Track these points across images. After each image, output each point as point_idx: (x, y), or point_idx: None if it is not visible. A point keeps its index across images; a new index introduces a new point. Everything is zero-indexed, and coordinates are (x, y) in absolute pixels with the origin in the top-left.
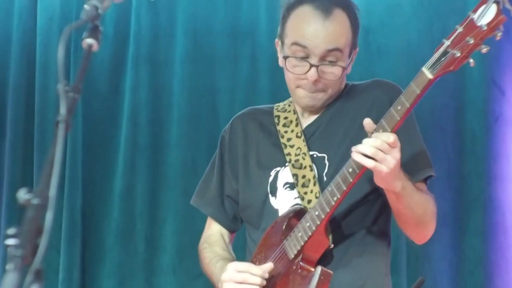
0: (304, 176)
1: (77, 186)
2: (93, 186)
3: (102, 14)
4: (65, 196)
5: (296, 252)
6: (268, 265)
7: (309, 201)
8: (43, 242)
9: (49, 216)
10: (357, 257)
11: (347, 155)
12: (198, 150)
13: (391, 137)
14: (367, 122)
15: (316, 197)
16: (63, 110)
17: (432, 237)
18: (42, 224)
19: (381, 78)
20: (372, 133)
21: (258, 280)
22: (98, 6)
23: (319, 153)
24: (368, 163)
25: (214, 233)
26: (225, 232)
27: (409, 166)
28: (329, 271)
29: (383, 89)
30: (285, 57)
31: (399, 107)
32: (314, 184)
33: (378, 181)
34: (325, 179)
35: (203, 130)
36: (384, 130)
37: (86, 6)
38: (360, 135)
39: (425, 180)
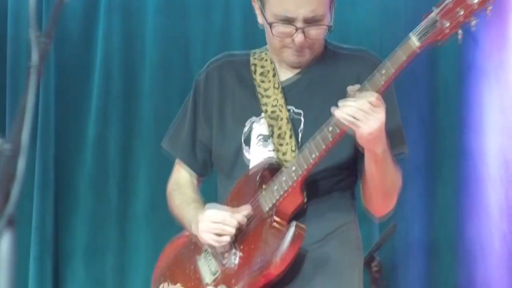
0: (280, 128)
1: (50, 134)
2: (65, 134)
3: None
4: (37, 144)
5: (270, 206)
6: (242, 216)
7: (284, 154)
8: (15, 189)
9: (21, 163)
10: (328, 210)
11: (323, 115)
12: (170, 99)
13: (373, 96)
14: (351, 88)
15: (292, 151)
16: (35, 57)
17: (405, 184)
18: (15, 172)
19: (367, 49)
20: (354, 94)
21: (233, 231)
22: None
23: (296, 108)
24: (350, 123)
25: (184, 175)
26: (194, 175)
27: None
28: (303, 226)
29: (369, 65)
30: (270, 24)
31: (383, 71)
32: (290, 137)
33: (361, 141)
34: (300, 135)
35: (176, 78)
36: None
37: None
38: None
39: (395, 156)
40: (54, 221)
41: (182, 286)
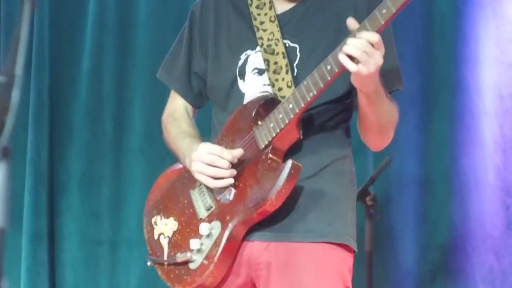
0: (276, 63)
1: (44, 65)
2: (60, 66)
3: None
4: (32, 75)
5: (266, 143)
6: (238, 151)
7: (280, 89)
8: (9, 121)
9: (15, 94)
10: (322, 145)
11: (319, 49)
12: (166, 30)
13: (376, 37)
14: (351, 22)
15: (288, 86)
16: None
17: (400, 118)
18: (9, 103)
19: None
20: (355, 33)
21: (226, 164)
22: None
23: (291, 42)
24: (352, 67)
25: (179, 107)
26: (189, 107)
27: (380, 78)
28: (299, 164)
29: None
30: None
31: (384, 11)
32: (286, 73)
33: (355, 82)
34: (295, 70)
35: (172, 9)
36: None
37: None
38: (336, 35)
39: (390, 93)
40: (49, 152)
41: (175, 220)
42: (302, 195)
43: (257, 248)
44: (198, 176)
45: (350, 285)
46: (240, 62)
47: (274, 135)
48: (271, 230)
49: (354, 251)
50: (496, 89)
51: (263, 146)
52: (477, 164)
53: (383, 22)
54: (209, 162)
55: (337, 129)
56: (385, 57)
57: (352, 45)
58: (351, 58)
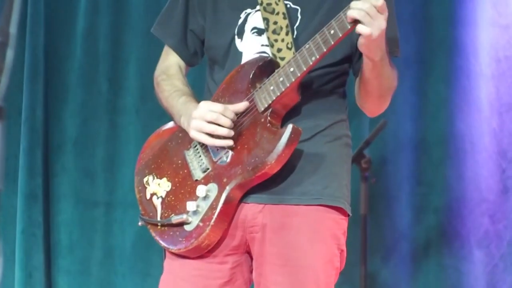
0: (275, 23)
1: (39, 24)
2: (55, 25)
3: None
4: (27, 34)
5: (266, 106)
6: (244, 104)
7: (279, 50)
8: (3, 80)
9: (9, 53)
10: (319, 109)
11: (321, 13)
12: None
13: (379, 1)
14: None
15: (288, 48)
16: None
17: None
18: (3, 63)
19: None
20: None
21: (228, 123)
22: None
23: (293, 4)
24: (361, 29)
25: (172, 64)
26: (182, 64)
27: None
28: (299, 128)
29: None
30: None
31: None
32: (287, 34)
33: (362, 47)
34: (295, 32)
35: None
36: None
37: None
38: (339, 5)
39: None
40: (44, 112)
41: (168, 180)
42: (298, 158)
43: (252, 210)
44: (195, 135)
45: (344, 248)
46: (240, 21)
47: (274, 98)
48: (266, 193)
49: (348, 215)
50: (493, 51)
51: (262, 109)
52: (473, 126)
53: None
54: (210, 119)
55: (334, 93)
56: (387, 26)
57: (356, 8)
58: (355, 22)
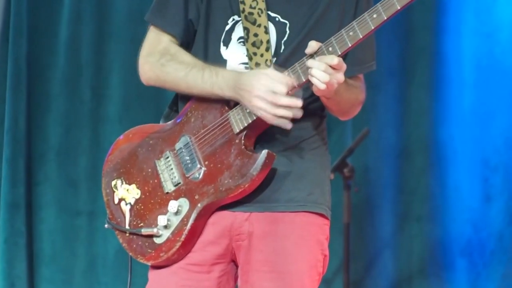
0: (256, 35)
1: (22, 34)
2: (38, 35)
3: None
4: (9, 44)
5: (241, 128)
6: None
7: (257, 64)
8: None
9: None
10: (300, 119)
11: (309, 27)
12: None
13: (335, 60)
14: (312, 45)
15: (267, 65)
16: None
17: (378, 88)
18: None
19: None
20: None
21: (291, 114)
22: None
23: (282, 18)
24: (320, 86)
25: (169, 43)
26: (176, 42)
27: (356, 58)
28: (273, 154)
29: None
30: None
31: (374, 16)
32: (267, 50)
33: (316, 93)
34: (282, 47)
35: None
36: (355, 35)
37: None
38: (327, 17)
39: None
40: (26, 122)
41: (137, 188)
42: (282, 166)
43: (238, 219)
44: (258, 103)
45: (327, 253)
46: (227, 27)
47: (250, 121)
48: (252, 201)
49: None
50: (475, 60)
51: (237, 130)
52: (455, 134)
53: (372, 27)
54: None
55: (314, 103)
56: (364, 44)
57: (318, 69)
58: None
